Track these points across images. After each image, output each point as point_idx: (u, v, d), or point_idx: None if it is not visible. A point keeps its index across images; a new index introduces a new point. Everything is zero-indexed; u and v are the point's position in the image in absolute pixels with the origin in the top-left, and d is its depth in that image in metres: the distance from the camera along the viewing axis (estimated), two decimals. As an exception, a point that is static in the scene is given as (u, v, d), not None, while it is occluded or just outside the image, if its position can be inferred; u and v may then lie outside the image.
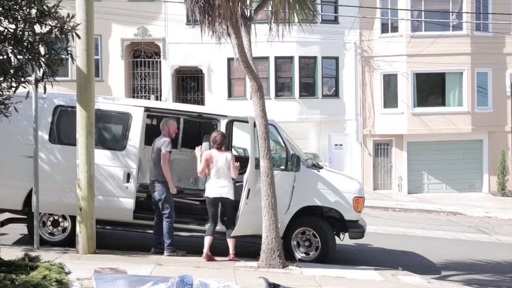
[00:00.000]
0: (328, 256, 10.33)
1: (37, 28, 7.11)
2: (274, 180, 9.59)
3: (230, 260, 9.57)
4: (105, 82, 25.27)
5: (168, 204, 9.72)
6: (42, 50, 7.17)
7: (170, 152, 9.84)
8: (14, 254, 7.33)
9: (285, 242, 10.18)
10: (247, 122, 10.24)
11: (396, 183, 27.24)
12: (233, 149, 11.64)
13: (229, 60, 24.95)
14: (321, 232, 10.35)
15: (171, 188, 9.77)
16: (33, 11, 7.04)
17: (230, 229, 9.65)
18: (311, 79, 26.65)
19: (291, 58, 26.11)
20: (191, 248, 10.13)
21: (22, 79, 7.16)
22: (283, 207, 9.97)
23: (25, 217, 10.24)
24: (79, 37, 7.53)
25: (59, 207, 10.03)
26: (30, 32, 7.04)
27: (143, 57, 26.42)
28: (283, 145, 10.42)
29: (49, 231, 10.16)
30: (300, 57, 26.24)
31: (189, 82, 27.36)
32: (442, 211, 22.60)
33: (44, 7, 6.98)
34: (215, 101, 25.42)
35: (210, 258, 9.52)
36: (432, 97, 27.44)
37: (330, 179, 10.49)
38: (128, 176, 9.95)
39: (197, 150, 9.99)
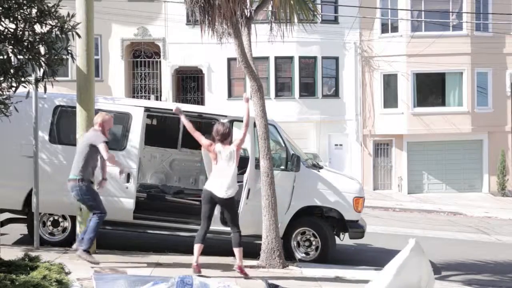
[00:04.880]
0: (328, 256, 10.33)
1: (37, 27, 7.11)
2: (274, 180, 9.59)
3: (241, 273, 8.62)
4: (105, 82, 25.27)
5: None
6: (42, 49, 7.17)
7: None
8: (14, 254, 7.34)
9: (285, 242, 10.17)
10: (247, 122, 10.21)
11: (396, 183, 27.25)
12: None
13: (229, 60, 24.97)
14: (321, 232, 10.35)
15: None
16: (33, 10, 7.04)
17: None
18: (311, 79, 26.67)
19: (291, 58, 26.12)
20: (192, 248, 10.10)
21: (22, 79, 7.16)
22: (283, 207, 9.96)
23: (25, 217, 10.24)
24: (79, 36, 7.53)
25: (59, 207, 10.02)
26: (30, 32, 7.04)
27: (143, 57, 26.43)
28: (283, 145, 10.41)
29: (49, 231, 10.16)
30: (300, 57, 26.25)
31: (189, 82, 27.38)
32: (442, 211, 22.61)
33: (44, 6, 6.98)
34: (215, 101, 25.43)
35: (199, 270, 8.45)
36: (432, 97, 27.45)
37: (330, 179, 10.49)
38: (128, 176, 9.95)
39: None
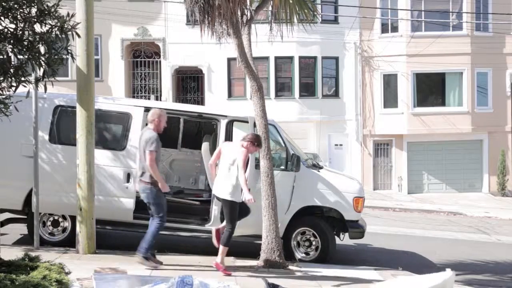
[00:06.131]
0: (328, 256, 10.33)
1: (37, 27, 7.11)
2: (274, 180, 9.58)
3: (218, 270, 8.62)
4: (105, 82, 25.27)
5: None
6: (42, 49, 7.17)
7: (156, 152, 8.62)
8: (14, 254, 7.33)
9: (285, 242, 10.16)
10: (247, 122, 10.23)
11: (396, 183, 27.25)
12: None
13: (229, 60, 24.97)
14: (321, 232, 10.34)
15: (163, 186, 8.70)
16: (33, 10, 7.04)
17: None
18: (311, 79, 26.66)
19: (291, 58, 26.11)
20: (192, 248, 10.13)
21: (22, 79, 7.16)
22: (283, 207, 9.96)
23: (25, 217, 10.23)
24: (79, 36, 7.53)
25: (59, 207, 10.02)
26: (30, 31, 7.04)
27: (143, 57, 26.42)
28: (283, 145, 10.41)
29: (49, 231, 10.16)
30: (300, 57, 26.24)
31: (189, 82, 27.37)
32: (442, 211, 22.60)
33: (44, 6, 6.98)
34: (215, 101, 25.43)
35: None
36: (432, 97, 27.45)
37: (330, 179, 10.48)
38: (128, 176, 9.95)
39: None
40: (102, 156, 9.92)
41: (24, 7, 6.95)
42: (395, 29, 26.85)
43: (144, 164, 8.64)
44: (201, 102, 26.38)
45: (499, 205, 24.87)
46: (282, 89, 26.54)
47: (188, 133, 12.38)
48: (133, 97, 25.49)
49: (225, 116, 10.41)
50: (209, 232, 9.77)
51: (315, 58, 26.44)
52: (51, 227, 10.17)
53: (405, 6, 26.30)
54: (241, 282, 8.13)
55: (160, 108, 9.28)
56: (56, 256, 8.74)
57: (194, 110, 11.28)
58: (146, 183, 8.66)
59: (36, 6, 6.98)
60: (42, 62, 7.13)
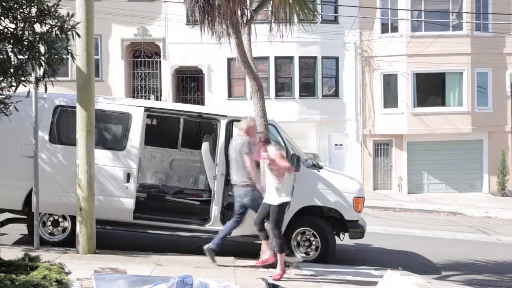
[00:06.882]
0: (328, 256, 10.32)
1: (37, 27, 7.11)
2: (274, 180, 9.56)
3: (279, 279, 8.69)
4: (105, 82, 25.27)
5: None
6: (42, 49, 7.17)
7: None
8: (14, 254, 7.33)
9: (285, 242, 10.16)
10: (247, 122, 10.21)
11: (396, 183, 27.25)
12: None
13: (229, 60, 24.95)
14: (321, 232, 10.33)
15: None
16: (33, 10, 7.04)
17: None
18: (311, 79, 26.65)
19: (291, 58, 26.11)
20: (192, 248, 10.13)
21: (22, 78, 7.16)
22: (283, 207, 9.94)
23: (25, 217, 10.23)
24: (79, 36, 7.53)
25: (59, 207, 10.02)
26: (30, 31, 7.04)
27: (143, 57, 26.42)
28: (283, 145, 10.40)
29: (49, 231, 10.16)
30: (300, 57, 26.24)
31: (189, 82, 27.37)
32: (442, 211, 22.60)
33: (44, 6, 6.99)
34: (215, 101, 25.43)
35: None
36: (432, 97, 27.44)
37: (330, 179, 10.48)
38: (128, 176, 9.95)
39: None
40: (102, 156, 9.92)
41: (24, 7, 6.96)
42: (395, 29, 26.85)
43: (238, 167, 9.10)
44: (201, 102, 26.38)
45: (499, 205, 24.87)
46: (282, 89, 26.54)
47: (188, 133, 12.39)
48: (133, 97, 25.48)
49: (225, 116, 10.41)
50: (209, 232, 9.80)
51: (315, 58, 26.43)
52: (51, 227, 10.17)
53: (405, 6, 26.30)
54: (241, 282, 8.13)
55: (252, 119, 9.71)
56: (56, 256, 8.74)
57: (194, 110, 11.28)
58: (247, 185, 9.10)
59: (36, 6, 6.98)
60: (42, 62, 7.13)
